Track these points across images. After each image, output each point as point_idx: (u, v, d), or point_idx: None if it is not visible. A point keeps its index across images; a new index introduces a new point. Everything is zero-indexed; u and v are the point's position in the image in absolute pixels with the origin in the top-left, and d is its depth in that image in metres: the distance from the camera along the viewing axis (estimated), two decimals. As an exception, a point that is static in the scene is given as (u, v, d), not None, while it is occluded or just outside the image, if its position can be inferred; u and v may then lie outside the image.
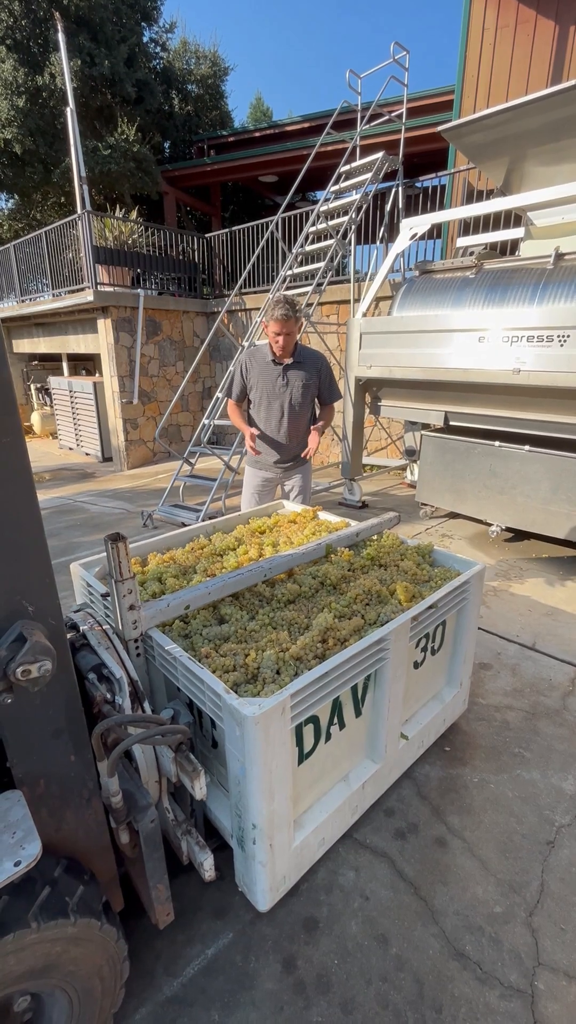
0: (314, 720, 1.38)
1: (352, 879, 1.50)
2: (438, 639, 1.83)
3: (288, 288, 5.63)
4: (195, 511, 4.46)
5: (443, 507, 4.53)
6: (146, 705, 1.29)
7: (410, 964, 1.30)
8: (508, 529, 4.14)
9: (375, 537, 2.14)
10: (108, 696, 1.22)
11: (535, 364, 3.49)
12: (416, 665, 1.74)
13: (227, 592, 1.64)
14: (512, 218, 5.46)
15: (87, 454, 8.63)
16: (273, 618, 1.59)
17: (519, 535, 4.21)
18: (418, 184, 7.10)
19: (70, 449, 8.99)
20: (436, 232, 6.90)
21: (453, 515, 4.70)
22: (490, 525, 4.14)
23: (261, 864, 1.30)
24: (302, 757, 1.38)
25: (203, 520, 4.26)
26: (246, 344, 5.21)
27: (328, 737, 1.45)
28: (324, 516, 2.39)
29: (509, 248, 5.05)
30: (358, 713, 1.54)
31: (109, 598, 1.44)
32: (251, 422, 2.88)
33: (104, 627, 1.41)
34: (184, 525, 4.52)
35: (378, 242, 6.32)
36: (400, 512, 2.38)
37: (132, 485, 6.76)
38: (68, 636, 1.37)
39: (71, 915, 0.96)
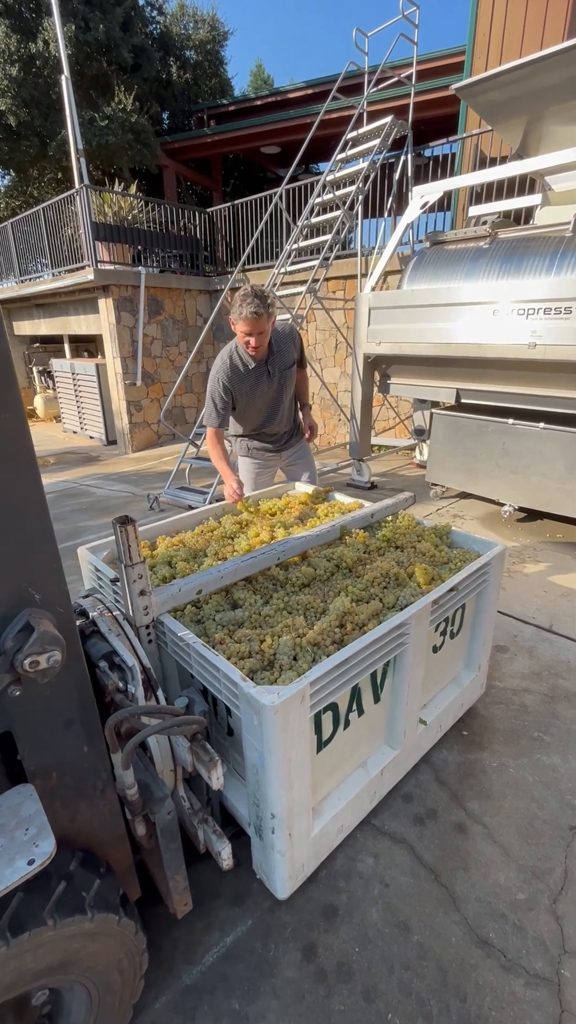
0: (333, 707, 1.34)
1: (371, 865, 1.48)
2: (457, 622, 1.78)
3: (293, 263, 5.47)
4: (202, 493, 4.40)
5: (454, 487, 4.45)
6: (159, 694, 1.25)
7: (432, 952, 1.28)
8: (521, 509, 4.06)
9: (390, 518, 2.08)
10: (120, 685, 1.18)
11: (552, 337, 3.36)
12: (435, 649, 1.69)
13: (240, 576, 1.58)
14: (528, 185, 5.25)
15: (91, 437, 8.56)
16: (288, 602, 1.53)
17: (532, 515, 4.13)
18: (427, 152, 6.83)
19: (74, 432, 8.92)
20: (445, 203, 6.66)
21: (464, 495, 4.62)
22: (503, 505, 4.06)
23: (280, 853, 1.27)
24: (320, 745, 1.34)
25: (210, 502, 4.21)
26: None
27: (347, 724, 1.41)
28: (336, 497, 2.32)
29: (523, 216, 4.86)
30: (377, 699, 1.49)
31: (119, 583, 1.39)
32: (243, 421, 2.57)
33: (114, 613, 1.37)
34: (191, 508, 4.47)
35: (386, 215, 6.10)
36: (411, 491, 2.31)
37: (137, 468, 6.70)
38: (77, 623, 1.32)
39: (88, 911, 0.93)
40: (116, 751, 1.02)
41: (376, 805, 1.62)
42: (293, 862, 1.31)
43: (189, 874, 1.35)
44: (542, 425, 3.74)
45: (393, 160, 5.92)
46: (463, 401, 4.30)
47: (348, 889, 1.42)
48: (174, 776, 1.27)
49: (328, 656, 1.33)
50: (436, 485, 4.61)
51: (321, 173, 5.57)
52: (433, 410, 4.47)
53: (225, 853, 1.26)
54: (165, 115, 11.86)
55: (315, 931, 1.33)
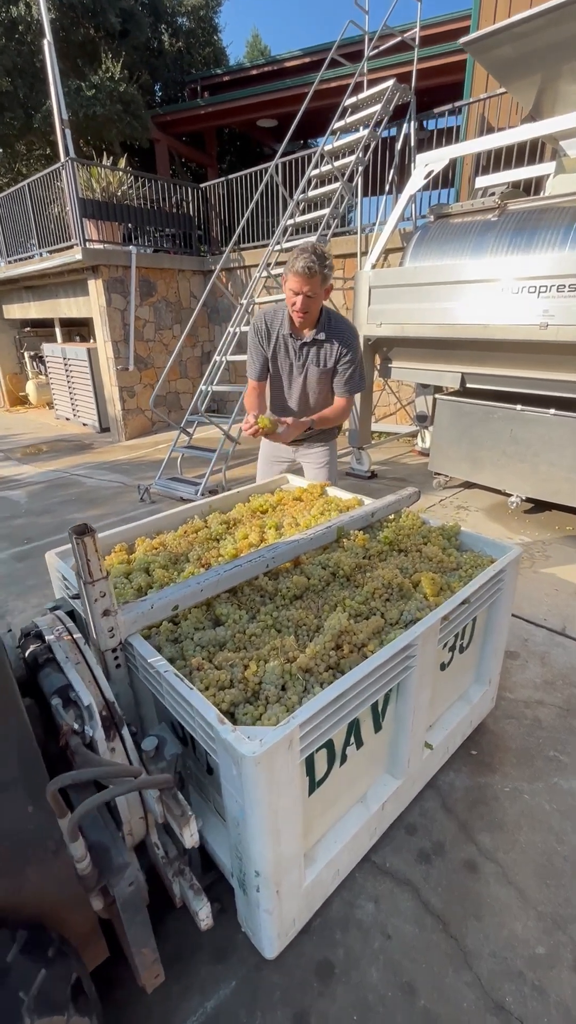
0: (328, 744, 1.16)
1: (371, 912, 1.32)
2: (467, 635, 1.60)
3: (289, 240, 5.19)
4: (194, 484, 4.20)
5: (458, 477, 4.25)
6: (125, 733, 1.07)
7: (441, 1020, 1.12)
8: (529, 500, 3.87)
9: (392, 517, 1.89)
10: (76, 726, 1.00)
11: (565, 317, 3.13)
12: (443, 667, 1.51)
13: (222, 588, 1.40)
14: (539, 153, 4.96)
15: (84, 424, 8.32)
16: (277, 618, 1.35)
17: (540, 506, 3.94)
18: (429, 125, 6.50)
19: (67, 419, 8.68)
20: (450, 176, 6.34)
21: (469, 485, 4.42)
22: (510, 496, 3.87)
23: (267, 912, 1.11)
24: (313, 786, 1.17)
25: (202, 494, 4.02)
26: (254, 302, 4.82)
27: (343, 760, 1.23)
28: (333, 492, 2.13)
29: (534, 187, 4.58)
30: (378, 728, 1.32)
31: (80, 600, 1.20)
32: (272, 404, 2.34)
33: (75, 636, 1.18)
34: (183, 499, 4.28)
35: (387, 192, 5.80)
36: (411, 483, 2.12)
37: (130, 456, 6.49)
38: (31, 650, 1.14)
39: (25, 1017, 0.76)
40: (63, 817, 0.84)
41: (377, 840, 1.46)
42: (282, 919, 1.15)
43: (165, 923, 1.19)
44: (552, 411, 3.53)
45: (395, 132, 5.60)
46: (468, 386, 4.08)
47: (345, 943, 1.26)
48: (145, 823, 1.10)
49: (322, 686, 1.16)
50: (439, 475, 4.41)
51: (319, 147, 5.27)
52: (436, 395, 4.25)
53: (204, 913, 1.09)
54: (157, 87, 11.38)
55: (308, 994, 1.17)
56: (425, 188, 6.28)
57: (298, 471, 2.48)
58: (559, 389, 3.50)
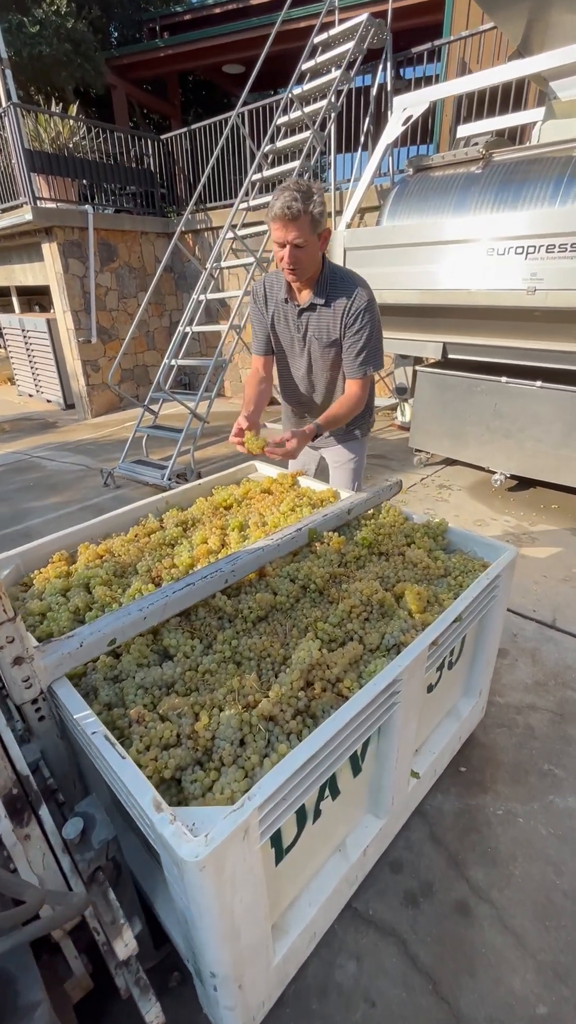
0: (297, 809, 0.97)
1: (353, 974, 1.16)
2: (456, 651, 1.41)
3: (257, 198, 4.77)
4: (160, 467, 3.92)
5: (440, 453, 4.06)
6: (44, 813, 0.86)
7: None
8: (513, 477, 3.71)
9: (371, 512, 1.67)
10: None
11: (555, 281, 2.90)
12: (429, 688, 1.33)
13: (171, 612, 1.17)
14: (524, 100, 4.61)
15: (48, 401, 7.86)
16: (236, 647, 1.14)
17: (524, 483, 3.78)
18: (406, 74, 6.02)
19: (30, 396, 8.19)
20: (428, 127, 5.92)
21: (450, 462, 4.23)
22: (493, 473, 3.70)
23: (227, 1008, 0.93)
24: (281, 855, 0.98)
25: (168, 479, 3.74)
26: (220, 266, 4.44)
27: (317, 816, 1.05)
28: (306, 483, 1.90)
29: (519, 137, 4.25)
30: (356, 772, 1.14)
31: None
32: (282, 386, 1.99)
33: (-19, 689, 0.95)
34: (148, 484, 4.00)
35: (361, 148, 5.37)
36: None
37: (96, 436, 6.13)
38: None
39: None
40: None
41: (358, 886, 1.29)
42: (247, 1008, 0.98)
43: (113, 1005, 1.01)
44: (539, 383, 3.32)
45: (369, 82, 5.13)
46: (450, 357, 3.85)
47: (324, 1013, 1.10)
48: (77, 911, 0.90)
49: (289, 738, 0.96)
50: (420, 451, 4.20)
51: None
52: (417, 367, 4.00)
53: (152, 1015, 0.91)
54: (113, 29, 10.40)
55: None
56: (402, 143, 5.87)
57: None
58: (547, 360, 3.29)
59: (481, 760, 1.64)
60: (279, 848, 0.96)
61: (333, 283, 1.66)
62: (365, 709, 0.95)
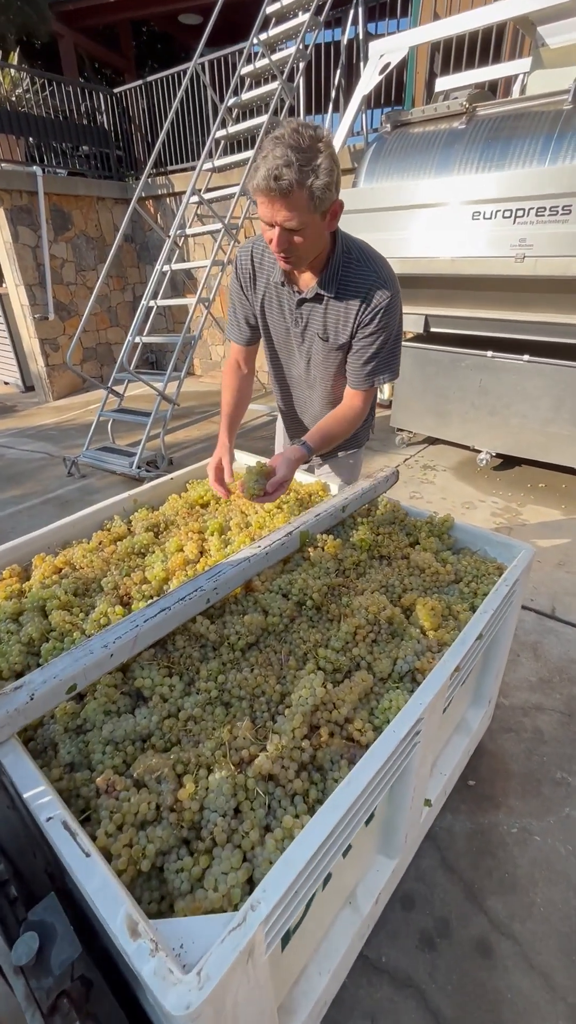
0: (306, 883, 0.81)
1: (368, 1037, 1.03)
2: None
3: (223, 158, 4.41)
4: (128, 454, 3.65)
5: (423, 432, 3.91)
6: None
7: None
8: (499, 456, 3.59)
9: (367, 507, 1.50)
10: None
11: (545, 247, 2.72)
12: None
13: (143, 645, 0.98)
14: (506, 51, 4.35)
15: (6, 383, 7.38)
16: (223, 684, 0.96)
17: (509, 462, 3.67)
18: (378, 28, 5.64)
19: (-17, 378, 7.66)
20: (400, 89, 5.58)
21: (433, 440, 4.09)
22: (479, 452, 3.57)
23: None
24: (287, 940, 0.82)
25: (137, 467, 3.49)
26: (184, 234, 4.09)
27: (325, 883, 0.89)
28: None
29: (500, 91, 4.01)
30: (369, 821, 0.98)
31: None
32: (275, 385, 1.60)
33: None
34: (115, 473, 3.73)
35: (331, 110, 5.02)
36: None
37: (58, 420, 5.76)
38: None
39: None
40: None
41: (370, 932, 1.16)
42: None
43: None
44: (526, 357, 3.18)
45: (339, 37, 4.76)
46: (432, 330, 3.67)
47: None
48: None
49: (294, 800, 0.79)
50: (402, 431, 4.05)
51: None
52: (398, 342, 3.81)
53: None
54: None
55: None
56: (374, 104, 5.53)
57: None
58: (535, 332, 3.15)
59: (490, 771, 1.52)
60: (286, 937, 0.81)
61: (347, 269, 1.23)
62: (387, 763, 0.79)
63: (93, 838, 0.74)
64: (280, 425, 1.81)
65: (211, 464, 1.35)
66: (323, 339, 1.33)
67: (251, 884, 0.71)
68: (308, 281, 1.27)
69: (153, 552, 1.34)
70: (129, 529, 1.50)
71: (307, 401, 1.55)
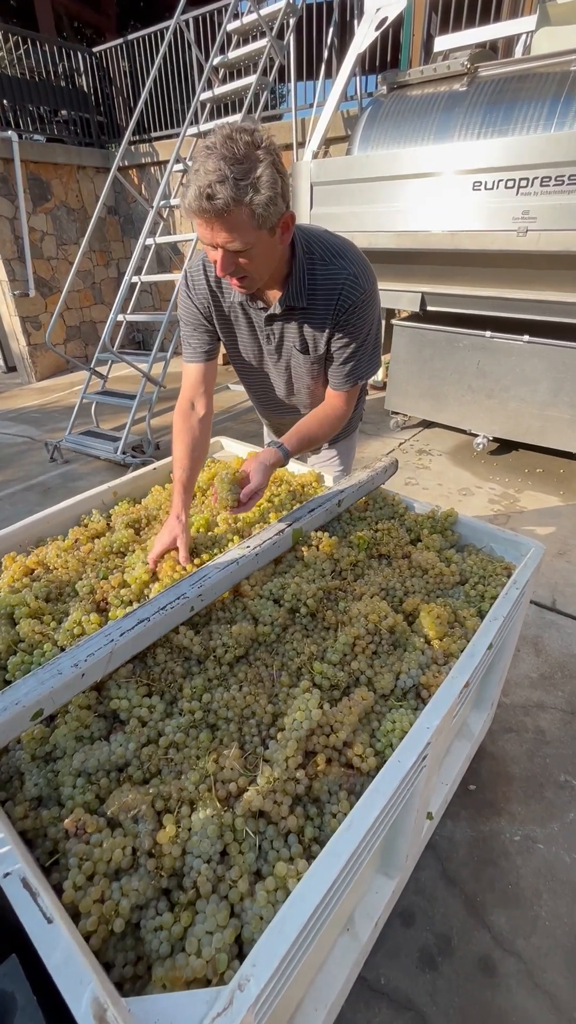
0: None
1: (367, 1068, 0.98)
2: (475, 668, 1.19)
3: (208, 122, 4.17)
4: (112, 439, 3.51)
5: (418, 415, 3.79)
6: None
7: None
8: (495, 440, 3.50)
9: (364, 500, 1.40)
10: None
11: (550, 219, 2.59)
12: (447, 720, 1.11)
13: (120, 661, 0.88)
14: (513, 4, 4.12)
15: (-14, 363, 7.11)
16: (209, 706, 0.86)
17: (505, 446, 3.58)
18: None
19: (-38, 358, 7.37)
20: (396, 51, 5.30)
21: (428, 423, 3.98)
22: (475, 436, 3.48)
23: None
24: (282, 987, 0.75)
25: (122, 452, 3.35)
26: (169, 205, 3.88)
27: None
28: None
29: (501, 52, 3.80)
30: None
31: None
32: (254, 403, 1.53)
33: None
34: (99, 459, 3.59)
35: (323, 76, 4.75)
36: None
37: (42, 402, 5.57)
38: None
39: None
40: None
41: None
42: None
43: None
44: (526, 338, 3.07)
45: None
46: (429, 309, 3.52)
47: None
48: None
49: (287, 840, 0.71)
50: (396, 414, 3.93)
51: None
52: (393, 321, 3.67)
53: None
54: None
55: None
56: (369, 69, 5.25)
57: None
58: (536, 311, 3.02)
59: (491, 774, 1.46)
60: (279, 983, 0.73)
61: (313, 276, 1.09)
62: (392, 799, 0.70)
63: (59, 890, 0.65)
64: (266, 428, 1.70)
65: (160, 538, 1.15)
66: (302, 351, 1.21)
67: (239, 943, 0.63)
68: (275, 295, 1.14)
69: (133, 552, 1.24)
70: (108, 525, 1.39)
71: (292, 414, 1.43)
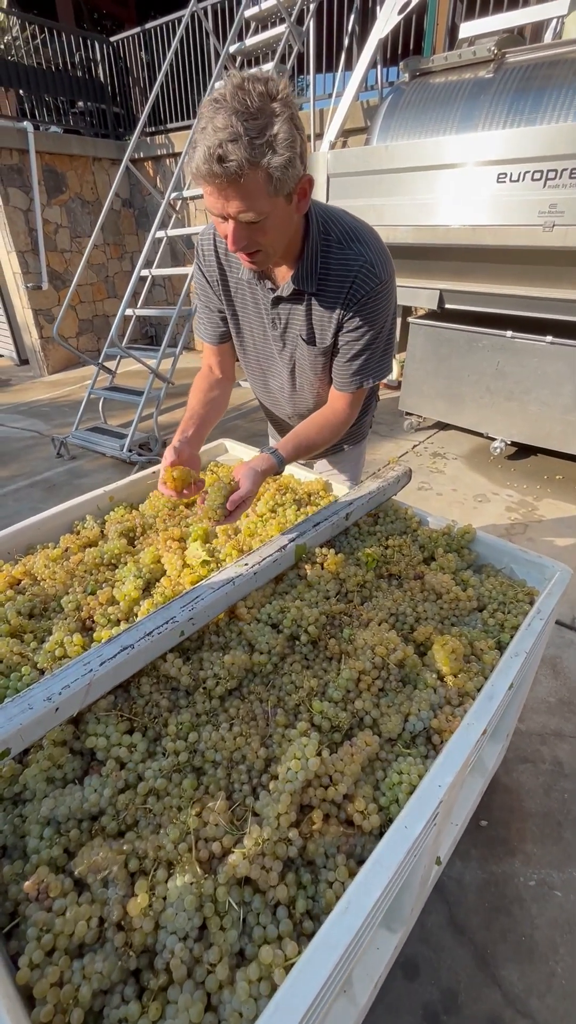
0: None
1: None
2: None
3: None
4: (119, 436, 3.44)
5: (433, 417, 3.67)
6: None
7: None
8: (513, 444, 3.37)
9: (373, 513, 1.30)
10: None
11: (578, 214, 2.45)
12: (459, 759, 1.01)
13: (98, 693, 0.80)
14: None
15: (1, 356, 7.12)
16: (196, 747, 0.78)
17: (524, 451, 3.45)
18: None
19: (-23, 350, 7.39)
20: (416, 39, 5.14)
21: (443, 426, 3.86)
22: (492, 440, 3.35)
23: None
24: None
25: (128, 449, 3.28)
26: (181, 196, 3.80)
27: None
28: (288, 468, 1.50)
29: (529, 36, 3.64)
30: (371, 907, 0.82)
31: None
32: (257, 394, 1.42)
33: None
34: (105, 455, 3.53)
35: (342, 67, 4.62)
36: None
37: (52, 395, 5.54)
38: None
39: None
40: None
41: (365, 1005, 1.01)
42: None
43: None
44: (549, 339, 2.93)
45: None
46: (447, 307, 3.39)
47: None
48: None
49: (276, 912, 0.62)
50: (411, 415, 3.81)
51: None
52: (409, 319, 3.55)
53: None
54: None
55: None
56: (390, 60, 5.10)
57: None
58: (559, 311, 2.88)
59: (504, 809, 1.36)
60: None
61: (327, 256, 0.99)
62: (397, 872, 0.61)
63: (15, 964, 0.57)
64: (270, 427, 1.61)
65: (165, 457, 1.05)
66: (307, 342, 1.11)
67: (216, 1042, 0.55)
68: (284, 274, 1.04)
69: (125, 564, 1.16)
70: (102, 532, 1.32)
71: (295, 412, 1.35)
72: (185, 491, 1.01)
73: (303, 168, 0.84)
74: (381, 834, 0.73)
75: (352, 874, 0.67)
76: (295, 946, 0.59)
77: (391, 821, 0.72)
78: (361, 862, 0.70)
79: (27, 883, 0.63)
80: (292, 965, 0.55)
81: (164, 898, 0.62)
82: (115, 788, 0.72)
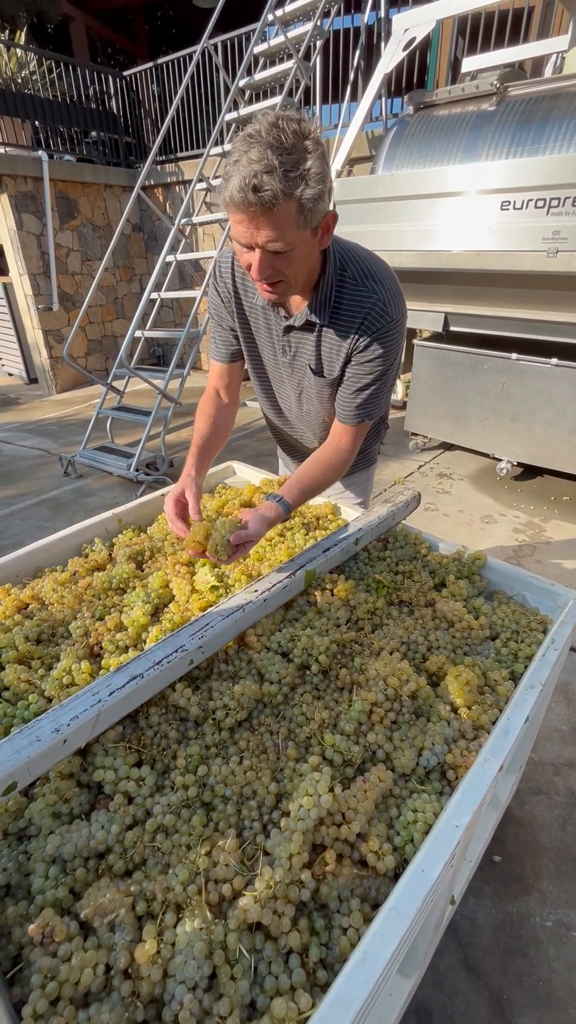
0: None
1: None
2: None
3: (231, 142, 4.19)
4: (126, 455, 3.46)
5: (438, 438, 3.68)
6: None
7: None
8: (520, 464, 3.36)
9: (383, 538, 1.29)
10: None
11: (581, 241, 2.49)
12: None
13: (106, 724, 0.79)
14: (542, 24, 4.09)
15: (10, 375, 7.23)
16: (205, 780, 0.76)
17: (530, 471, 3.44)
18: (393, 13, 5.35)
19: (-12, 369, 7.51)
20: (423, 73, 5.31)
21: (449, 446, 3.87)
22: (499, 461, 3.35)
23: None
24: None
25: (135, 469, 3.30)
26: (191, 222, 3.89)
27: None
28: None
29: (530, 72, 3.75)
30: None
31: None
32: (265, 413, 1.43)
33: None
34: (112, 475, 3.55)
35: (347, 98, 4.77)
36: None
37: (60, 414, 5.60)
38: None
39: None
40: None
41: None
42: None
43: None
44: (554, 361, 2.95)
45: (356, 23, 4.49)
46: (452, 329, 3.43)
47: None
48: None
49: (288, 960, 0.60)
50: (416, 435, 3.83)
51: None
52: (415, 341, 3.59)
53: None
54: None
55: None
56: (395, 91, 5.26)
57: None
58: (564, 334, 2.91)
59: (518, 844, 1.32)
60: None
61: (340, 290, 1.01)
62: (416, 917, 0.59)
63: (18, 1013, 0.55)
64: (280, 448, 1.62)
65: (171, 495, 1.05)
66: (315, 372, 1.13)
67: None
68: (298, 303, 1.06)
69: (134, 589, 1.15)
70: (111, 556, 1.31)
71: (301, 435, 1.37)
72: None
73: (329, 203, 0.87)
74: (396, 875, 0.71)
75: (367, 919, 0.65)
76: (309, 998, 0.56)
77: (406, 862, 0.71)
78: (375, 906, 0.68)
79: (32, 926, 0.61)
80: (306, 1019, 0.53)
81: (173, 944, 0.60)
82: (123, 824, 0.71)
